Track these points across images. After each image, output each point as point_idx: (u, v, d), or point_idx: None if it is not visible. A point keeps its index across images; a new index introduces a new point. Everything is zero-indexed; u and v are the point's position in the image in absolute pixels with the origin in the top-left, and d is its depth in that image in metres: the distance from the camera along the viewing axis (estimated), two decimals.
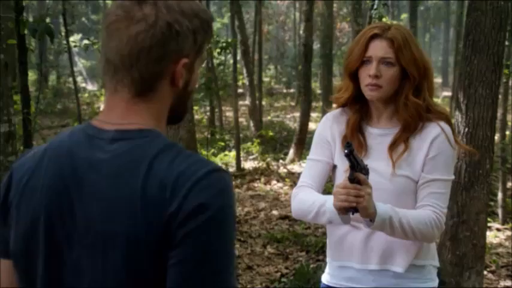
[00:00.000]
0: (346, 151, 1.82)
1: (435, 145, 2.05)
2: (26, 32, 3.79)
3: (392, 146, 2.07)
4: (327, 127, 2.22)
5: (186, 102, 1.26)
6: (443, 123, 2.08)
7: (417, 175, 2.06)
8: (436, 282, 2.20)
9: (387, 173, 2.04)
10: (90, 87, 25.65)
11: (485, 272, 5.03)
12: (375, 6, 5.33)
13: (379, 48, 2.03)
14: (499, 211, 6.92)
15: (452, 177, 2.12)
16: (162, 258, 1.06)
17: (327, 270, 2.26)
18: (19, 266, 1.21)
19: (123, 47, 1.14)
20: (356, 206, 1.87)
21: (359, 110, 2.15)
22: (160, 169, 1.08)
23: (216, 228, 1.07)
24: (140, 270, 1.07)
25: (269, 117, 15.99)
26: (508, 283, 5.14)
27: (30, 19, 3.76)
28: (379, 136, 2.11)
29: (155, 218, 1.05)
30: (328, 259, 2.25)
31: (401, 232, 1.96)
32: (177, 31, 1.14)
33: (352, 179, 1.87)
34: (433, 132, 2.06)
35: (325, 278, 2.25)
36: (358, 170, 1.87)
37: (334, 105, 2.25)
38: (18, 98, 4.46)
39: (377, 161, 2.02)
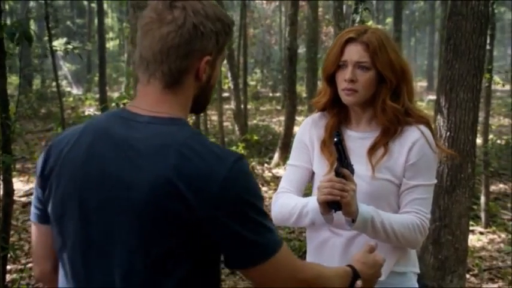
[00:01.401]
0: (335, 139, 1.81)
1: (416, 150, 2.02)
2: (4, 35, 3.74)
3: (372, 150, 2.05)
4: (306, 131, 2.20)
5: (208, 95, 1.46)
6: (423, 127, 2.05)
7: (398, 179, 2.04)
8: None
9: (367, 176, 2.01)
10: (75, 91, 25.51)
11: (468, 276, 5.04)
12: (358, 10, 5.32)
13: (354, 52, 2.01)
14: (482, 215, 6.95)
15: (435, 181, 2.10)
16: (190, 231, 1.26)
17: None
18: (56, 227, 1.40)
19: (155, 45, 1.33)
20: (339, 201, 1.84)
21: (337, 114, 2.14)
22: (190, 155, 1.26)
23: (247, 205, 1.28)
24: (157, 238, 1.26)
25: (255, 121, 15.97)
26: (490, 286, 5.16)
27: None
28: (358, 139, 2.08)
29: (186, 195, 1.23)
30: None
31: (383, 235, 1.94)
32: (201, 32, 1.34)
33: (338, 173, 1.85)
34: (413, 137, 2.03)
35: None
36: (344, 165, 1.85)
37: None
38: None
39: (356, 164, 1.98)
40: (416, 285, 2.18)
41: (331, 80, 2.09)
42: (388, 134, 2.05)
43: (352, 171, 1.89)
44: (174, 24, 1.32)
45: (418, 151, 2.02)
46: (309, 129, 2.20)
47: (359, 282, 1.60)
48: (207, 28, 1.35)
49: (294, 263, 1.38)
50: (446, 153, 2.30)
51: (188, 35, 1.33)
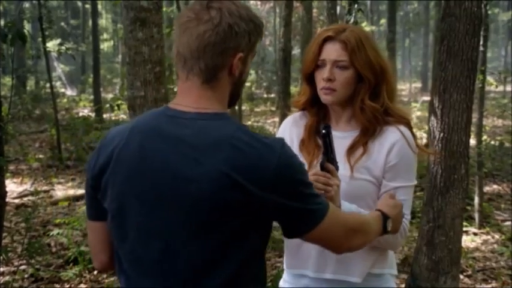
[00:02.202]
0: (323, 131, 1.81)
1: (395, 151, 2.00)
2: None
3: (351, 150, 2.02)
4: (286, 130, 2.19)
5: (240, 89, 1.58)
6: (403, 128, 2.03)
7: (377, 179, 2.01)
8: None
9: (345, 176, 1.98)
10: (70, 92, 25.43)
11: (461, 277, 5.05)
12: (352, 11, 5.33)
13: (332, 51, 1.98)
14: (476, 215, 6.96)
15: (415, 182, 2.07)
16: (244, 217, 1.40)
17: (284, 277, 2.21)
18: (115, 221, 1.50)
19: (192, 42, 1.45)
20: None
21: (317, 113, 2.12)
22: (242, 146, 1.38)
23: (298, 183, 1.44)
24: (217, 227, 1.39)
25: (249, 122, 15.97)
26: (483, 287, 5.16)
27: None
28: (338, 139, 2.01)
29: (243, 184, 1.36)
30: (284, 267, 2.19)
31: None
32: (236, 31, 1.46)
33: (323, 167, 1.83)
34: (393, 137, 2.00)
35: (282, 285, 2.21)
36: (330, 160, 1.84)
37: (293, 109, 2.22)
38: None
39: None
40: (394, 286, 2.16)
41: (310, 79, 2.07)
42: (367, 134, 2.02)
43: (336, 168, 1.87)
44: (210, 24, 1.44)
45: (397, 152, 2.00)
46: (289, 128, 2.19)
47: (390, 222, 1.78)
48: (241, 28, 1.47)
49: (341, 218, 1.57)
50: (427, 153, 2.26)
51: (223, 34, 1.44)
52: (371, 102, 1.99)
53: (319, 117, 2.12)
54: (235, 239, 1.42)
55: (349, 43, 1.96)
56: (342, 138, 2.04)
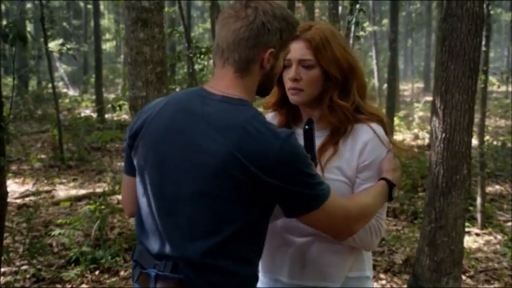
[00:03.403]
0: (306, 126, 1.79)
1: (368, 150, 1.94)
2: None
3: (321, 150, 1.96)
4: None
5: (273, 81, 1.76)
6: (375, 125, 1.97)
7: (350, 179, 1.95)
8: None
9: None
10: (72, 92, 25.43)
11: (463, 277, 5.04)
12: (354, 11, 5.32)
13: (296, 50, 1.94)
14: (478, 216, 6.95)
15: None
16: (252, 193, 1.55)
17: (260, 277, 2.14)
18: (139, 177, 1.73)
19: (229, 36, 1.63)
20: None
21: (287, 113, 2.09)
22: (252, 131, 1.53)
23: (298, 171, 1.56)
24: (222, 195, 1.55)
25: None
26: (486, 287, 5.15)
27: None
28: None
29: (248, 166, 1.51)
30: (260, 269, 2.12)
31: None
32: (268, 29, 1.63)
33: None
34: (365, 136, 1.95)
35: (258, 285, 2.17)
36: (312, 157, 1.79)
37: (261, 110, 2.19)
38: None
39: None
40: (371, 287, 2.12)
41: (278, 80, 2.02)
42: (338, 133, 1.97)
43: (316, 164, 1.83)
44: (246, 20, 1.61)
45: (371, 151, 1.94)
46: None
47: (396, 190, 1.89)
48: (273, 26, 1.63)
49: (342, 206, 1.69)
50: (402, 150, 2.16)
51: (256, 30, 1.62)
52: (340, 100, 1.95)
53: (288, 117, 2.09)
54: (234, 209, 1.57)
55: (313, 41, 1.92)
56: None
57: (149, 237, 1.70)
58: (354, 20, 5.23)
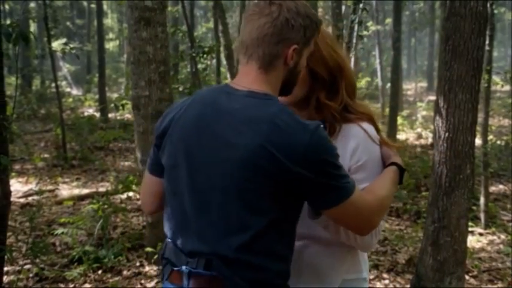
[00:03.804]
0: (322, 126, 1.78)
1: (361, 150, 1.90)
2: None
3: None
4: None
5: (296, 79, 1.77)
6: (366, 125, 1.93)
7: None
8: None
9: None
10: (75, 92, 25.45)
11: (467, 277, 5.03)
12: (357, 11, 5.31)
13: None
14: (482, 216, 6.94)
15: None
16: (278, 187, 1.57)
17: None
18: (169, 175, 1.74)
19: (254, 32, 1.66)
20: None
21: None
22: (281, 124, 1.56)
23: (326, 163, 1.58)
24: (252, 188, 1.57)
25: None
26: (489, 287, 5.14)
27: None
28: None
29: (277, 157, 1.54)
30: None
31: (343, 234, 1.86)
32: (292, 25, 1.65)
33: None
34: (356, 137, 1.91)
35: None
36: None
37: None
38: None
39: None
40: None
41: None
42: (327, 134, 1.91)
43: None
44: (270, 17, 1.64)
45: (363, 152, 1.90)
46: None
47: (405, 175, 1.92)
48: (297, 22, 1.66)
49: (367, 201, 1.69)
50: (393, 147, 2.09)
51: (280, 26, 1.64)
52: (328, 100, 1.91)
53: None
54: (264, 202, 1.59)
55: None
56: None
57: (180, 235, 1.71)
58: (357, 19, 5.22)
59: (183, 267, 1.66)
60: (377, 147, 1.94)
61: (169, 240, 1.76)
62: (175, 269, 1.69)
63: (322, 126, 1.62)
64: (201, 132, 1.66)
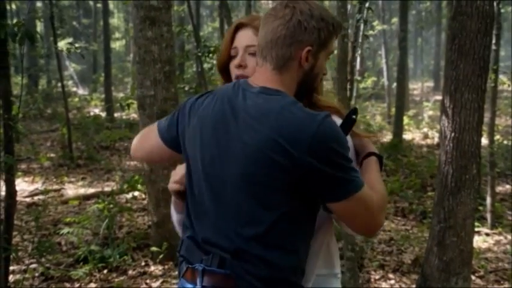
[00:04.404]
0: (353, 116, 1.79)
1: None
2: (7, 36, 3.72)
3: None
4: None
5: (313, 82, 1.80)
6: (335, 118, 1.87)
7: None
8: None
9: None
10: (81, 91, 25.52)
11: (473, 277, 5.01)
12: (362, 10, 5.30)
13: (243, 37, 1.91)
14: (488, 216, 6.91)
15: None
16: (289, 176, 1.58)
17: None
18: (188, 169, 1.79)
19: (268, 34, 1.70)
20: None
21: None
22: (289, 116, 1.58)
23: (335, 153, 1.58)
24: (263, 181, 1.59)
25: None
26: None
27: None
28: None
29: (287, 148, 1.55)
30: None
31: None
32: (305, 27, 1.68)
33: None
34: None
35: None
36: None
37: None
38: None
39: None
40: (339, 285, 2.04)
41: (226, 72, 1.98)
42: None
43: None
44: (283, 19, 1.68)
45: None
46: None
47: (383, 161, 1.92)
48: (310, 25, 1.68)
49: (374, 199, 1.67)
50: (364, 136, 2.06)
51: (293, 28, 1.67)
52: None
53: None
54: (275, 195, 1.61)
55: None
56: None
57: (197, 225, 1.74)
58: (362, 19, 5.21)
59: (197, 265, 1.67)
60: (348, 138, 1.89)
61: (186, 237, 1.78)
62: (190, 266, 1.71)
63: (331, 116, 1.62)
64: (217, 127, 1.70)
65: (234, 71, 1.92)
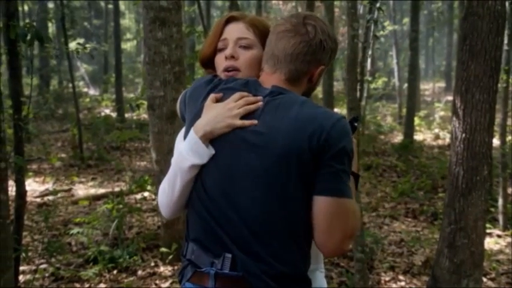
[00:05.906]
0: (355, 123, 1.81)
1: None
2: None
3: None
4: None
5: (309, 95, 1.86)
6: None
7: None
8: None
9: None
10: (92, 91, 25.61)
11: (485, 280, 4.96)
12: (373, 10, 5.27)
13: (235, 30, 1.87)
14: (500, 217, 6.85)
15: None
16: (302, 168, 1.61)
17: None
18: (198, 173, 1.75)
19: (288, 48, 1.74)
20: None
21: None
22: (307, 112, 1.64)
23: (344, 153, 1.62)
24: (282, 172, 1.61)
25: None
26: None
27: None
28: None
29: (303, 143, 1.59)
30: None
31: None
32: (324, 47, 1.76)
33: None
34: None
35: None
36: None
37: None
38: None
39: None
40: (324, 282, 2.01)
41: (208, 66, 1.94)
42: None
43: None
44: (306, 36, 1.73)
45: None
46: None
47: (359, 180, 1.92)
48: (328, 45, 1.76)
49: (355, 218, 1.66)
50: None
51: (315, 47, 1.74)
52: None
53: None
54: (291, 189, 1.61)
55: (254, 23, 1.88)
56: None
57: (205, 234, 1.70)
58: (373, 19, 5.18)
59: (208, 269, 1.66)
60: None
61: (191, 241, 1.74)
62: (199, 270, 1.69)
63: (345, 119, 1.67)
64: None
65: (223, 63, 1.86)
